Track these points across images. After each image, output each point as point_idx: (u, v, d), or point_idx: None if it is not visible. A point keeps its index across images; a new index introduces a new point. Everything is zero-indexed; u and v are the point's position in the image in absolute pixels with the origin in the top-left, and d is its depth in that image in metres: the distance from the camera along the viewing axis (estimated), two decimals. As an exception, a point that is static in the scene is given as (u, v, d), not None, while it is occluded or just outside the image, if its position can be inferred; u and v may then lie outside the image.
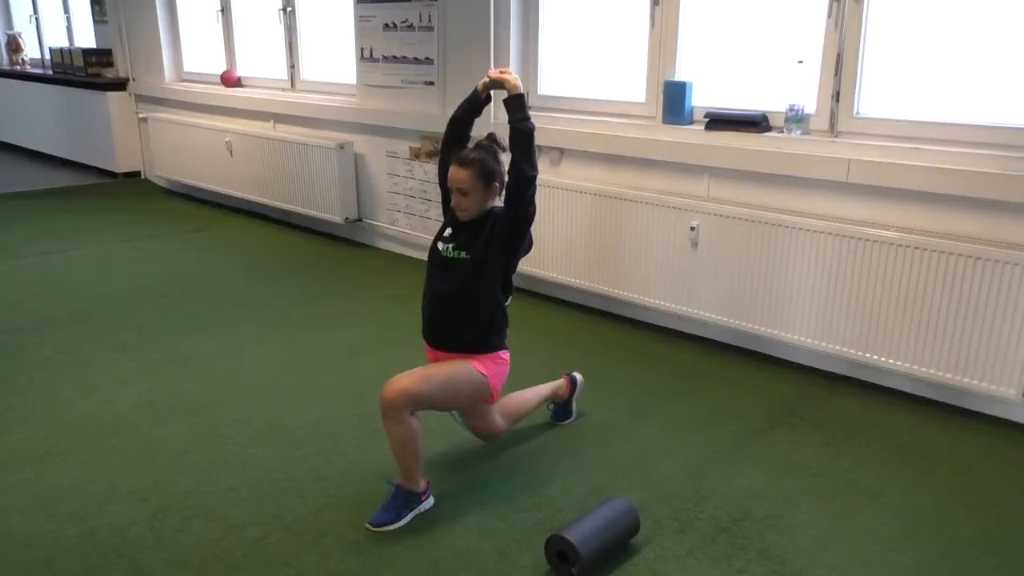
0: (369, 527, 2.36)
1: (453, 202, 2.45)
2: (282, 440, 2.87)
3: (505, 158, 2.48)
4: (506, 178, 2.45)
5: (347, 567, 2.21)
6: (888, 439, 2.91)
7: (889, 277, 3.10)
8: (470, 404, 2.55)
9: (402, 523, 2.38)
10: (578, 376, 3.03)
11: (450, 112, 4.66)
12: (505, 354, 2.54)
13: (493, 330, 2.48)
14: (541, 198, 4.12)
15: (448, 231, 2.52)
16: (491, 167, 2.43)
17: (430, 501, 2.47)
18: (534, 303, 4.30)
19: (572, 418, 3.03)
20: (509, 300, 2.53)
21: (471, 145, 2.55)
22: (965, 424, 3.02)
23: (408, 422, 2.31)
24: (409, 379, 2.32)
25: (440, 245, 2.50)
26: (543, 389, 2.91)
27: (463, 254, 2.44)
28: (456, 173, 2.41)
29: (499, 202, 2.50)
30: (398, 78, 4.86)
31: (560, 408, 3.01)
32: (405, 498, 2.40)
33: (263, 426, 2.97)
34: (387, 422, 2.32)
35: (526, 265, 4.30)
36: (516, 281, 4.60)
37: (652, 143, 3.77)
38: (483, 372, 2.46)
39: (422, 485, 2.43)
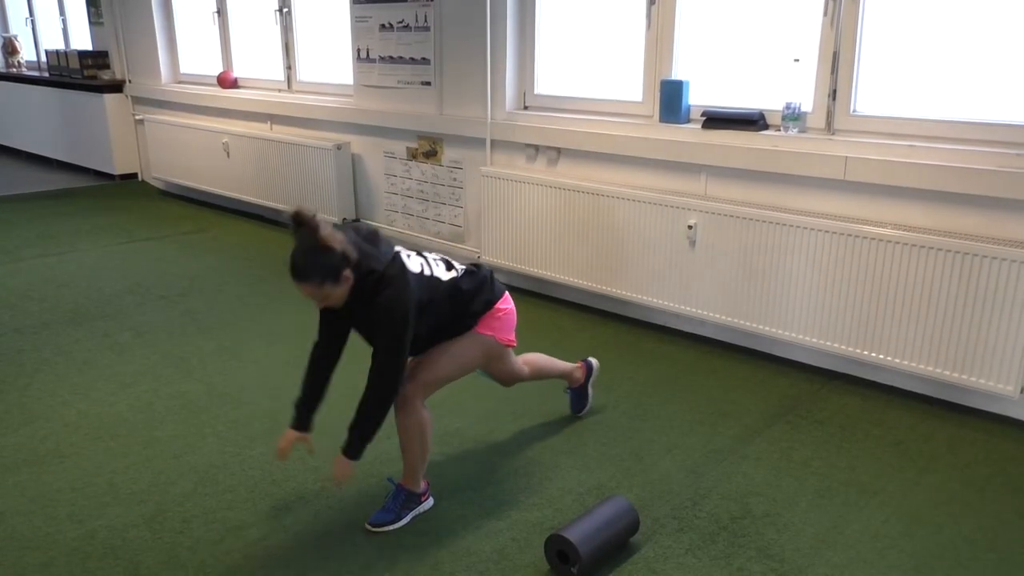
0: (368, 527, 2.36)
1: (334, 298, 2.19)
2: (281, 441, 2.87)
3: (338, 228, 2.20)
4: (352, 254, 2.12)
5: (347, 568, 2.21)
6: (887, 437, 2.91)
7: (887, 275, 3.11)
8: (486, 363, 2.51)
9: (401, 523, 2.38)
10: (594, 361, 3.06)
11: (448, 112, 4.71)
12: (499, 304, 2.44)
13: (469, 311, 2.37)
14: (540, 197, 4.13)
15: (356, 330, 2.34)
16: (327, 265, 2.08)
17: (430, 502, 2.47)
18: (532, 302, 4.30)
19: (589, 405, 3.06)
20: (462, 272, 2.39)
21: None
22: (964, 421, 3.03)
23: (421, 412, 2.31)
24: (420, 368, 2.32)
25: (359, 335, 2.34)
26: (563, 364, 2.95)
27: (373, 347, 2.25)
28: (304, 292, 2.12)
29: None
30: (395, 78, 4.86)
31: (576, 395, 3.04)
32: (405, 498, 2.40)
33: (262, 427, 2.97)
34: (400, 415, 2.31)
35: (525, 264, 4.30)
36: (514, 280, 4.62)
37: (649, 142, 3.77)
38: (488, 333, 2.42)
39: (423, 486, 2.43)
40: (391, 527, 2.36)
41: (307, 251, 2.08)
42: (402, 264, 2.22)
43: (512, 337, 2.51)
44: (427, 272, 2.29)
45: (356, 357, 3.41)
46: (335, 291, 2.13)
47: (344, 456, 2.28)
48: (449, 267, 2.39)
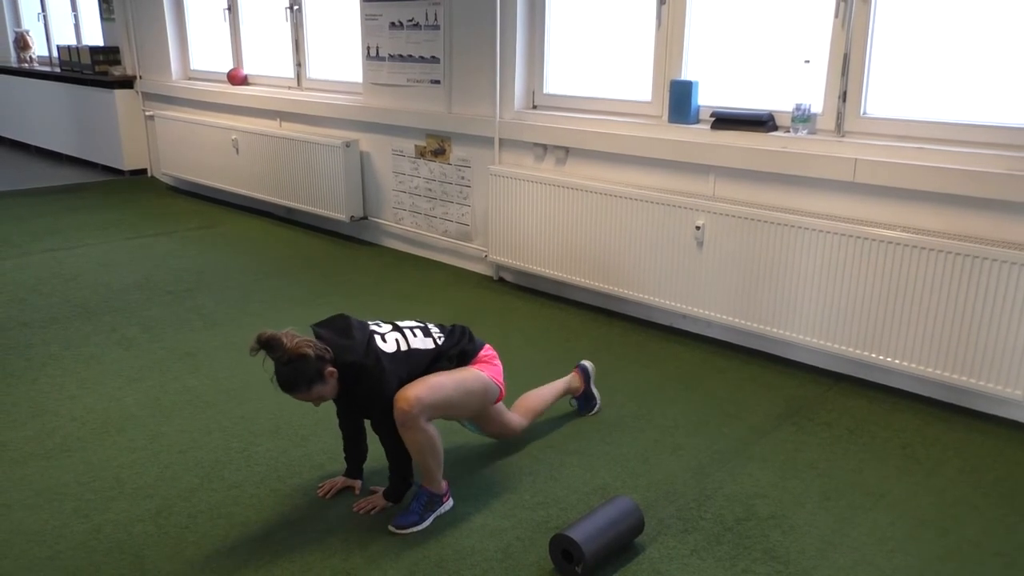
0: (393, 530, 2.35)
1: (321, 399, 2.32)
2: (287, 437, 2.88)
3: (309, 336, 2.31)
4: (327, 352, 2.23)
5: (351, 564, 2.21)
6: (894, 439, 2.90)
7: (895, 277, 3.10)
8: (481, 407, 2.53)
9: (425, 524, 2.38)
10: (587, 364, 3.07)
11: (457, 110, 4.71)
12: (484, 352, 2.54)
13: (454, 357, 2.46)
14: (548, 196, 4.13)
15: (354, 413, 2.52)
16: (308, 371, 2.20)
17: (450, 502, 2.47)
18: (539, 302, 4.30)
19: (598, 405, 3.07)
20: (442, 336, 2.48)
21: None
22: (971, 425, 3.01)
23: (425, 429, 2.29)
24: (421, 388, 2.30)
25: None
26: (557, 385, 2.95)
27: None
28: (299, 399, 2.27)
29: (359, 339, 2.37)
30: (404, 76, 4.86)
31: (582, 400, 3.05)
32: (428, 500, 2.39)
33: (268, 423, 2.98)
34: (405, 432, 2.29)
35: (532, 264, 4.30)
36: (521, 280, 4.61)
37: (658, 142, 3.76)
38: (485, 373, 2.47)
39: (443, 486, 2.44)
40: (415, 528, 2.36)
41: (285, 365, 2.19)
42: (377, 352, 2.31)
43: (501, 381, 2.54)
44: (403, 348, 2.38)
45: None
46: (325, 389, 2.25)
47: (383, 496, 2.47)
48: (427, 333, 2.46)
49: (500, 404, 2.65)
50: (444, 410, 2.37)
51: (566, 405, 3.10)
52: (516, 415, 2.76)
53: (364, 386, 2.29)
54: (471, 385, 2.43)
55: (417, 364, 2.38)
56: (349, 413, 2.51)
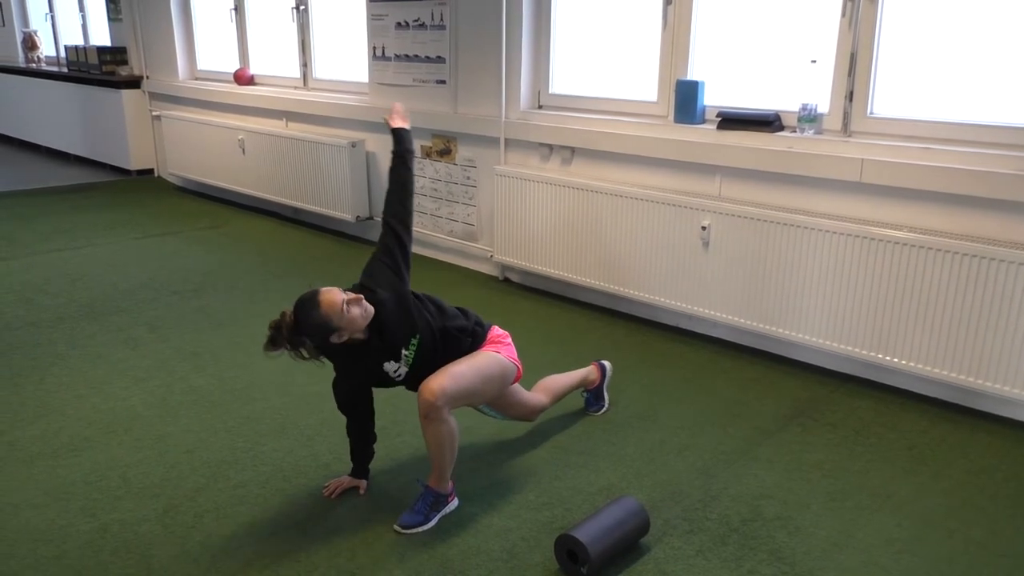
0: (398, 529, 2.36)
1: (356, 318, 2.29)
2: (293, 437, 2.89)
3: None
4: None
5: (357, 564, 2.22)
6: (900, 440, 2.89)
7: (902, 278, 3.09)
8: (501, 389, 2.53)
9: (430, 525, 2.38)
10: (607, 364, 3.10)
11: (462, 111, 4.71)
12: (495, 332, 2.55)
13: (467, 330, 2.47)
14: (554, 196, 4.13)
15: (387, 363, 2.38)
16: (317, 296, 2.30)
17: (455, 502, 2.47)
18: (544, 302, 4.30)
19: (606, 406, 3.08)
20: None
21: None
22: (977, 426, 3.00)
23: (449, 421, 2.30)
24: (443, 378, 2.29)
25: (392, 370, 2.39)
26: (577, 373, 2.98)
27: (413, 344, 2.37)
28: (337, 324, 2.26)
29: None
30: (410, 77, 4.87)
31: (593, 396, 3.07)
32: (433, 500, 2.39)
33: (273, 423, 2.99)
34: (428, 424, 2.28)
35: (537, 264, 4.30)
36: (526, 280, 4.61)
37: (664, 142, 3.76)
38: (500, 353, 2.48)
39: (449, 486, 2.44)
40: (420, 528, 2.36)
41: (298, 315, 2.27)
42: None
43: (516, 358, 2.54)
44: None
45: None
46: (351, 298, 2.29)
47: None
48: None
49: (518, 385, 2.66)
50: (467, 398, 2.38)
51: (571, 406, 3.10)
52: (536, 395, 2.78)
53: (401, 289, 2.38)
54: (491, 369, 2.43)
55: (432, 307, 2.46)
56: (362, 406, 2.48)
